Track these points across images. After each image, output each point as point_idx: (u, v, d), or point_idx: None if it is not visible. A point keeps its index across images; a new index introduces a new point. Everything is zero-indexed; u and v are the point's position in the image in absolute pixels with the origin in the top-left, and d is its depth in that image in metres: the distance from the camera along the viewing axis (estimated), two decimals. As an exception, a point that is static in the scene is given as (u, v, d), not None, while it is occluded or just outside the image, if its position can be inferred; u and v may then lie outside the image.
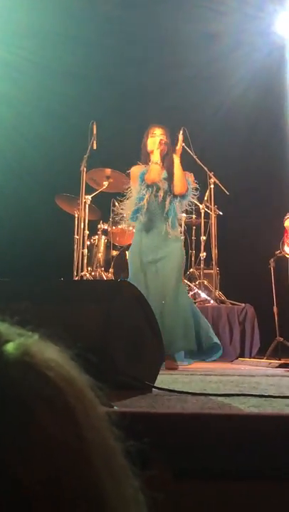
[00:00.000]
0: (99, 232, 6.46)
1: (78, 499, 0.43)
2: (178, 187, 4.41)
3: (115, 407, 1.50)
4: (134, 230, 6.26)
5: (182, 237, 4.77)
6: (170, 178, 4.45)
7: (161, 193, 4.42)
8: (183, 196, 4.46)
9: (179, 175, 4.42)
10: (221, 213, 6.46)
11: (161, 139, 4.45)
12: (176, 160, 4.44)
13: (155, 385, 2.24)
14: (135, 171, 4.54)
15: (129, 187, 4.57)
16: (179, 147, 4.47)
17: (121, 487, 0.47)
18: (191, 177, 4.60)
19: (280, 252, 5.71)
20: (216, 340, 4.48)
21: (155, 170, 4.40)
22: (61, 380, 0.47)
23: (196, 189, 4.65)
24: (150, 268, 4.36)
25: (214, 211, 6.39)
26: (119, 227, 6.34)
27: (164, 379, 2.71)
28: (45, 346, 0.50)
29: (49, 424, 0.44)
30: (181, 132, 4.50)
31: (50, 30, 7.28)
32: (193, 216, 6.62)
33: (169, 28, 7.58)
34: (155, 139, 4.46)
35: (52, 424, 0.44)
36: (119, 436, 0.50)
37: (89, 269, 6.25)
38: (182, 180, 4.42)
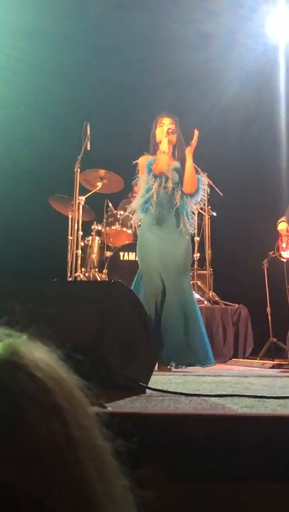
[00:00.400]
0: (93, 233, 6.46)
1: (67, 499, 0.43)
2: (187, 186, 4.25)
3: (108, 408, 1.50)
4: (126, 231, 6.30)
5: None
6: (182, 168, 4.29)
7: (170, 184, 4.25)
8: (191, 195, 4.30)
9: (189, 173, 4.25)
10: (214, 214, 6.47)
11: (169, 128, 4.32)
12: (189, 157, 4.27)
13: (149, 385, 2.24)
14: (142, 161, 4.38)
15: (137, 178, 4.44)
16: (194, 143, 4.26)
17: (110, 487, 0.46)
18: (204, 177, 4.43)
19: (273, 253, 5.73)
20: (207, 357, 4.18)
21: (163, 160, 4.24)
22: (50, 381, 0.47)
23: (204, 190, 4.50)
24: (163, 264, 4.17)
25: (208, 212, 6.40)
26: (113, 228, 6.34)
27: (158, 379, 2.71)
28: (34, 347, 0.50)
29: (37, 424, 0.44)
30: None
31: (44, 31, 7.28)
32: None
33: (163, 28, 7.59)
34: (163, 129, 4.33)
35: (40, 424, 0.44)
36: (109, 436, 0.50)
37: (83, 270, 6.25)
38: (192, 179, 4.26)
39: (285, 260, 5.67)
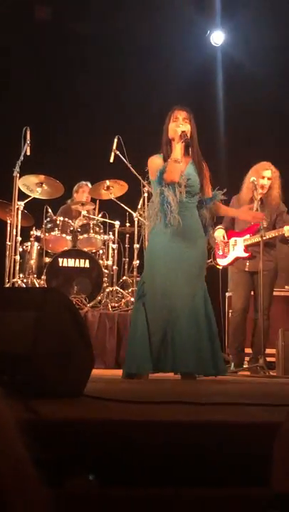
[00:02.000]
0: (31, 239, 6.39)
1: None
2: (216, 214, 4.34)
3: (41, 416, 1.48)
4: (65, 237, 6.26)
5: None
6: (200, 174, 4.03)
7: (182, 190, 3.92)
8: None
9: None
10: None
11: (182, 132, 3.95)
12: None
13: (85, 392, 2.23)
14: (152, 165, 4.06)
15: (148, 177, 4.15)
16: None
17: (28, 496, 0.46)
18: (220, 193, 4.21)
19: (211, 262, 5.80)
20: None
21: (175, 169, 3.89)
22: None
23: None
24: (175, 269, 3.91)
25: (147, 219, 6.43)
26: (52, 234, 6.28)
27: (103, 387, 2.71)
28: None
29: None
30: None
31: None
32: (127, 224, 6.67)
33: (104, 38, 7.65)
34: (177, 124, 4.00)
35: None
36: (32, 445, 0.50)
37: (21, 275, 6.17)
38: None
39: (221, 268, 5.75)
